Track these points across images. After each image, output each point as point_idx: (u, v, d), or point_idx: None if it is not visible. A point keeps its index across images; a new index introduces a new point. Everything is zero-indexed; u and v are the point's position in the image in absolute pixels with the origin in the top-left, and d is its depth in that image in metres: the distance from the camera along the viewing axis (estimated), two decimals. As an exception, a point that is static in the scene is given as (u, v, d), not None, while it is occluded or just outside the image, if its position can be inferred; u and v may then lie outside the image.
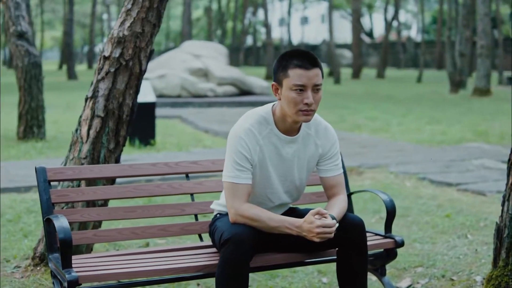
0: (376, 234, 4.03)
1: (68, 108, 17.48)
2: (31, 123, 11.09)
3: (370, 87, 28.90)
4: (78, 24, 61.00)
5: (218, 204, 3.70)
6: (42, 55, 64.85)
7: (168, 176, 4.81)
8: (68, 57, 33.79)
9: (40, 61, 11.05)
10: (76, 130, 4.83)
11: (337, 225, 3.38)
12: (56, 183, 4.09)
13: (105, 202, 4.80)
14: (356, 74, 35.49)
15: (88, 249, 4.92)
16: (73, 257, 3.66)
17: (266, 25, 33.41)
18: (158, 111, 15.65)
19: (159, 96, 17.95)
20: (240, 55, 52.68)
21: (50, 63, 62.13)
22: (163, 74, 18.11)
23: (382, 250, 3.98)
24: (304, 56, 3.38)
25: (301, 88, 3.35)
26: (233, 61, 53.61)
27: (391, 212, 3.98)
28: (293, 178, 3.58)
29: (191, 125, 14.03)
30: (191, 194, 4.03)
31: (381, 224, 6.15)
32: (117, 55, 4.72)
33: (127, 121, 4.85)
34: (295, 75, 3.35)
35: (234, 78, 18.65)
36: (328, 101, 19.81)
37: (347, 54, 50.08)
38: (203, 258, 3.55)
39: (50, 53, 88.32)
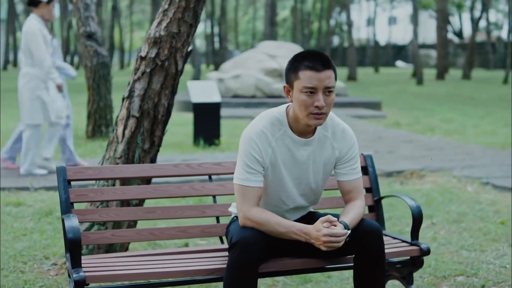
0: (403, 241, 3.88)
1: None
2: (99, 122, 11.29)
3: (453, 89, 28.24)
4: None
5: (235, 207, 3.65)
6: (131, 55, 66.30)
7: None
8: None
9: (108, 61, 11.23)
10: (113, 130, 4.86)
11: (348, 232, 3.27)
12: (88, 181, 4.13)
13: (140, 202, 4.81)
14: (440, 75, 34.72)
15: (123, 248, 4.94)
16: (88, 256, 3.69)
17: (348, 25, 33.11)
18: (230, 111, 15.76)
19: (234, 96, 18.01)
20: (325, 55, 52.31)
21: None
22: (238, 74, 18.15)
23: (408, 257, 3.83)
24: (316, 57, 3.27)
25: (312, 91, 3.25)
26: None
27: (417, 219, 3.83)
28: (308, 181, 3.48)
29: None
30: (213, 196, 3.99)
31: (431, 229, 5.99)
32: (153, 55, 4.72)
33: (163, 121, 4.84)
34: (305, 77, 3.25)
35: (309, 79, 18.48)
36: (407, 102, 19.51)
37: (435, 54, 49.12)
38: (215, 261, 3.50)
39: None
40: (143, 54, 4.77)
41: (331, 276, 4.75)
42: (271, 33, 35.50)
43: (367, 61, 58.27)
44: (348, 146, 3.49)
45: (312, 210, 3.75)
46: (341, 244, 3.22)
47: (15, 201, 6.84)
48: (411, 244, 3.82)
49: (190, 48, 4.89)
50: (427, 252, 3.76)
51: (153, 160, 4.86)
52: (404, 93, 24.11)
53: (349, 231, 3.28)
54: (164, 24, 4.74)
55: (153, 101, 4.76)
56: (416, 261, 3.81)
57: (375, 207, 4.17)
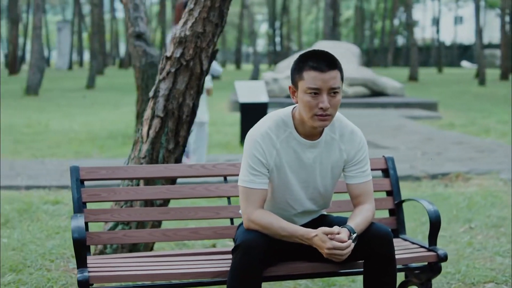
0: (421, 247, 3.77)
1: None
2: (148, 122, 11.35)
3: (517, 89, 27.56)
4: (231, 24, 62.27)
5: None
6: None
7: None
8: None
9: (157, 61, 11.27)
10: (138, 130, 4.87)
11: (353, 236, 3.19)
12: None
13: (164, 202, 4.80)
14: (504, 75, 33.91)
15: (148, 248, 4.94)
16: (98, 256, 3.69)
17: (410, 24, 32.67)
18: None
19: (288, 96, 17.93)
20: (389, 55, 51.84)
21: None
22: (292, 74, 18.04)
23: (426, 263, 3.72)
24: (320, 58, 3.18)
25: (316, 92, 3.17)
26: (381, 61, 53.00)
27: (434, 224, 3.70)
28: (316, 184, 3.40)
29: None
30: (228, 198, 3.94)
31: (468, 234, 5.83)
32: (178, 55, 4.70)
33: (187, 122, 4.82)
34: (309, 78, 3.17)
35: (365, 79, 18.32)
36: (465, 103, 19.13)
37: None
38: (222, 264, 3.45)
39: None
40: (168, 54, 4.76)
41: (355, 281, 4.66)
42: (332, 33, 35.32)
43: (432, 61, 57.40)
44: (357, 149, 3.40)
45: (325, 213, 3.67)
46: (345, 257, 3.15)
47: (53, 199, 6.93)
48: (429, 250, 3.70)
49: (215, 48, 4.86)
50: (444, 258, 3.63)
51: (177, 160, 4.84)
52: (465, 93, 23.64)
53: (355, 235, 3.20)
54: (189, 24, 4.72)
55: (178, 101, 4.74)
56: (433, 267, 3.69)
57: (396, 211, 4.06)
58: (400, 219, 4.06)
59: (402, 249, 3.74)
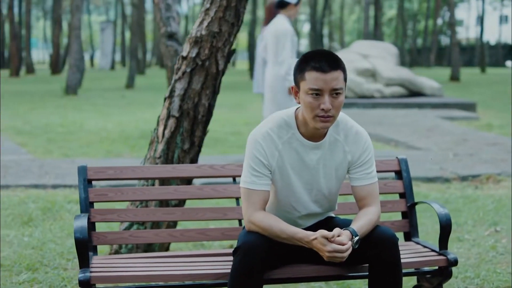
0: (432, 250, 3.69)
1: (235, 107, 17.85)
2: (180, 122, 11.38)
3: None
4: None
5: None
6: (237, 55, 66.89)
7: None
8: (250, 57, 34.45)
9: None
10: (154, 130, 4.86)
11: (355, 239, 3.13)
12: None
13: (179, 203, 4.79)
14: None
15: (163, 248, 4.93)
16: (103, 256, 3.68)
17: (451, 24, 32.25)
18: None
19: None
20: (431, 55, 51.27)
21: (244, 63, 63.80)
22: (329, 74, 17.90)
23: (436, 267, 3.64)
24: (322, 58, 3.13)
25: (318, 93, 3.12)
26: (424, 61, 52.45)
27: (445, 227, 3.62)
28: (319, 187, 3.34)
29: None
30: (236, 199, 3.90)
31: (493, 237, 5.70)
32: (193, 55, 4.69)
33: (203, 122, 4.80)
34: (311, 78, 3.12)
35: (402, 79, 18.11)
36: (506, 104, 18.78)
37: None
38: (225, 265, 3.41)
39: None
40: (184, 53, 4.74)
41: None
42: (375, 33, 35.14)
43: (476, 61, 56.63)
44: (361, 150, 3.34)
45: (332, 215, 3.61)
46: (345, 258, 3.10)
47: (77, 198, 6.95)
48: (439, 254, 3.62)
49: (232, 48, 4.83)
50: (454, 263, 3.55)
51: (193, 161, 4.83)
52: (506, 94, 23.19)
53: (357, 237, 3.14)
54: (205, 23, 4.70)
55: (193, 101, 4.72)
56: (444, 272, 3.61)
57: (408, 214, 3.98)
58: (413, 222, 3.98)
59: (413, 253, 3.68)
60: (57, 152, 10.22)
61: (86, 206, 3.69)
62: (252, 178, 3.24)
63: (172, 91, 4.75)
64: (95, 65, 60.76)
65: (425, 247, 3.76)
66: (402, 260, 3.48)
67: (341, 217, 3.64)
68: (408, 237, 3.97)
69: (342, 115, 3.31)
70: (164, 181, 4.65)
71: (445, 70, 40.38)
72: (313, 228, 3.38)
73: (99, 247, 5.26)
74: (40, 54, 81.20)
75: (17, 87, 27.11)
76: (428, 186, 7.85)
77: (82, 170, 3.76)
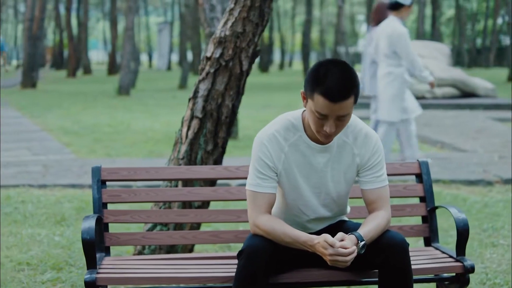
0: (450, 256, 3.58)
1: (285, 108, 17.79)
2: (223, 122, 11.38)
3: None
4: (330, 24, 62.08)
5: None
6: (293, 56, 66.95)
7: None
8: (304, 58, 34.35)
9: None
10: (179, 131, 4.85)
11: (361, 244, 3.04)
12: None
13: (203, 204, 4.76)
14: None
15: (186, 249, 4.91)
16: (116, 257, 3.67)
17: (509, 24, 31.56)
18: (367, 113, 15.41)
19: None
20: (491, 55, 50.34)
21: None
22: (379, 75, 17.71)
23: (454, 274, 3.53)
24: (334, 86, 2.95)
25: (323, 116, 3.03)
26: (483, 61, 51.51)
27: (462, 232, 3.50)
28: (328, 190, 3.27)
29: (393, 127, 13.55)
30: (251, 201, 3.84)
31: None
32: (217, 56, 4.65)
33: (227, 123, 4.77)
34: (318, 103, 2.99)
35: (454, 79, 17.78)
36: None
37: None
38: (233, 269, 3.36)
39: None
40: (208, 54, 4.71)
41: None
42: (433, 32, 34.67)
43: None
44: (371, 152, 3.25)
45: (345, 218, 3.53)
46: (348, 263, 3.02)
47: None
48: (456, 261, 3.51)
49: (256, 49, 4.78)
50: (470, 270, 3.43)
51: (217, 162, 4.79)
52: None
53: (362, 243, 3.06)
54: (229, 23, 4.66)
55: (217, 102, 4.69)
56: (460, 279, 3.50)
57: (428, 218, 3.87)
58: (433, 227, 3.87)
59: (430, 258, 3.58)
60: (101, 152, 10.31)
61: (99, 206, 3.68)
62: (257, 180, 3.18)
63: (195, 92, 4.73)
64: (153, 65, 61.40)
65: (443, 253, 3.65)
66: (418, 266, 3.41)
67: (355, 221, 3.56)
68: (427, 242, 3.86)
69: (352, 117, 3.22)
70: (187, 183, 4.63)
71: (504, 71, 39.59)
72: (323, 232, 3.31)
73: (125, 248, 5.31)
74: (100, 55, 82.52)
75: (72, 88, 27.57)
76: (469, 189, 7.67)
77: (96, 171, 3.75)
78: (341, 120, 3.04)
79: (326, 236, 3.02)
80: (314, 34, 67.01)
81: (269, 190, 3.18)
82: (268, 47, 47.18)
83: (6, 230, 5.95)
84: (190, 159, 4.75)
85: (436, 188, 7.57)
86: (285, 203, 3.31)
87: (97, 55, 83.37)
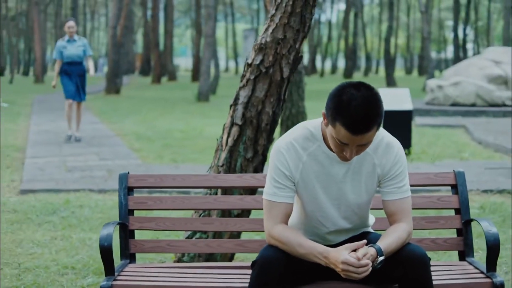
0: (481, 272, 3.42)
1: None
2: (291, 129, 11.34)
3: None
4: (418, 30, 61.19)
5: None
6: (379, 62, 66.23)
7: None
8: (386, 64, 33.91)
9: (301, 68, 11.23)
10: (220, 138, 4.82)
11: (379, 259, 2.93)
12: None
13: (242, 212, 4.71)
14: None
15: (226, 258, 4.88)
16: (139, 264, 3.66)
17: None
18: (444, 120, 15.11)
19: (452, 104, 17.25)
20: None
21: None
22: (458, 81, 17.31)
23: (484, 290, 3.37)
24: (357, 120, 2.83)
25: (344, 144, 2.94)
26: None
27: (492, 248, 3.34)
28: (348, 202, 3.16)
29: (470, 136, 13.22)
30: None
31: None
32: (257, 62, 4.61)
33: (267, 130, 4.72)
34: (340, 132, 2.88)
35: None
36: None
37: None
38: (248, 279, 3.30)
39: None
40: (249, 61, 4.68)
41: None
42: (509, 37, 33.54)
43: None
44: (392, 162, 3.12)
45: (369, 230, 3.41)
46: (361, 276, 2.90)
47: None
48: (486, 276, 3.35)
49: (298, 55, 4.71)
50: (499, 286, 3.27)
51: (257, 170, 4.74)
52: None
53: (381, 258, 2.94)
54: (270, 30, 4.62)
55: (257, 109, 4.64)
56: (490, 296, 3.34)
57: (463, 231, 3.71)
58: (468, 240, 3.70)
59: (461, 274, 3.44)
60: (168, 157, 10.41)
61: (125, 213, 3.68)
62: (274, 189, 3.11)
63: (236, 99, 4.70)
64: (239, 72, 61.85)
65: (476, 268, 3.50)
66: (443, 282, 3.28)
67: (380, 232, 3.43)
68: (462, 256, 3.70)
69: None
70: (227, 191, 4.60)
71: None
72: (344, 244, 3.21)
73: (167, 255, 5.31)
74: (189, 62, 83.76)
75: (154, 94, 28.04)
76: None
77: (123, 178, 3.75)
78: (361, 148, 2.95)
79: (344, 246, 2.93)
80: (401, 40, 66.24)
81: (285, 200, 3.10)
82: (352, 53, 46.81)
83: (59, 233, 6.05)
84: (230, 167, 4.71)
85: (500, 199, 7.32)
86: (305, 214, 3.22)
87: (186, 62, 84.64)
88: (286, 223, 3.13)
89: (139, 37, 67.77)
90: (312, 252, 3.01)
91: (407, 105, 10.55)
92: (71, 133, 12.46)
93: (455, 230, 3.77)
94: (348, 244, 2.97)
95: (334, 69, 64.16)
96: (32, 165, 9.55)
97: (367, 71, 55.12)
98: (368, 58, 56.72)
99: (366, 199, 3.19)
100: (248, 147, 4.69)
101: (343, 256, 2.90)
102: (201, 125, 15.02)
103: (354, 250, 2.96)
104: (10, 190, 7.97)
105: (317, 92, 29.19)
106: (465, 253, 3.69)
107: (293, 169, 3.10)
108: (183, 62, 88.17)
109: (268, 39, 4.59)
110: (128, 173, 3.80)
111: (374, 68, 63.85)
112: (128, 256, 3.67)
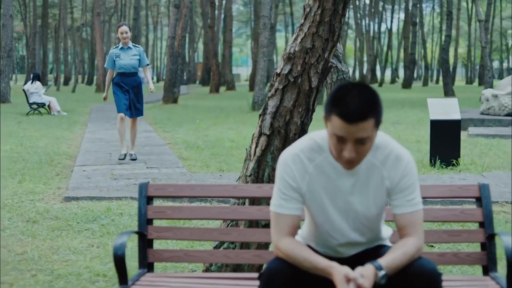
0: None
1: (415, 124, 17.39)
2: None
3: None
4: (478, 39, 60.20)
5: (299, 234, 3.40)
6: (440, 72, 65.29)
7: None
8: (444, 73, 33.36)
9: (348, 78, 11.12)
10: (249, 147, 4.82)
11: (381, 274, 2.86)
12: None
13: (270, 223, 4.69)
14: None
15: (253, 268, 4.85)
16: (156, 274, 3.67)
17: None
18: (497, 130, 14.79)
19: (508, 114, 16.86)
20: None
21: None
22: (513, 91, 16.96)
23: (503, 307, 3.28)
24: (351, 107, 2.79)
25: (341, 140, 2.88)
26: None
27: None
28: (356, 214, 3.09)
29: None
30: (297, 222, 3.74)
31: None
32: (286, 72, 4.59)
33: (295, 140, 4.68)
34: (335, 124, 2.84)
35: None
36: None
37: None
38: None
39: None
40: (278, 70, 4.66)
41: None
42: None
43: None
44: (401, 175, 3.03)
45: (385, 243, 3.34)
46: None
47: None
48: (507, 292, 3.26)
49: (327, 65, 4.67)
50: (519, 303, 3.18)
51: (285, 180, 4.70)
52: None
53: (382, 272, 2.87)
54: (299, 39, 4.59)
55: (285, 118, 4.61)
56: (508, 312, 3.24)
57: (487, 245, 3.62)
58: (492, 255, 3.61)
59: (481, 288, 3.35)
60: (214, 166, 10.43)
61: (143, 222, 3.70)
62: (280, 201, 3.07)
63: (265, 109, 4.67)
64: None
65: (497, 283, 3.40)
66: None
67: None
68: (485, 271, 3.61)
69: (383, 138, 3.04)
70: (254, 201, 4.58)
71: None
72: (359, 257, 3.16)
73: (199, 265, 5.32)
74: (250, 71, 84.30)
75: (211, 103, 28.21)
76: None
77: (143, 187, 3.78)
78: (361, 144, 2.87)
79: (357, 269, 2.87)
80: (462, 49, 65.28)
81: (292, 212, 3.06)
82: (410, 63, 46.28)
83: (97, 241, 6.12)
84: (258, 176, 4.68)
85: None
86: (315, 226, 3.18)
87: (248, 72, 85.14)
88: (293, 235, 3.09)
89: (201, 47, 68.35)
90: (315, 267, 2.96)
91: (455, 115, 10.36)
92: (125, 152, 11.17)
93: (479, 244, 3.68)
94: (348, 271, 2.88)
95: (393, 78, 63.58)
96: (80, 173, 9.70)
97: (426, 81, 54.42)
98: (427, 68, 56.01)
99: (375, 212, 3.12)
100: (275, 157, 4.65)
101: (339, 276, 2.85)
102: (252, 134, 15.00)
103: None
104: (55, 198, 8.10)
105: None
106: (488, 268, 3.60)
107: (300, 180, 3.06)
108: (244, 71, 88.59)
109: (296, 49, 4.56)
110: (148, 182, 3.82)
111: (435, 78, 63.02)
112: (146, 265, 3.69)
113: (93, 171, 9.90)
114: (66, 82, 59.60)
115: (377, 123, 2.86)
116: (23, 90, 22.51)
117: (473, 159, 10.96)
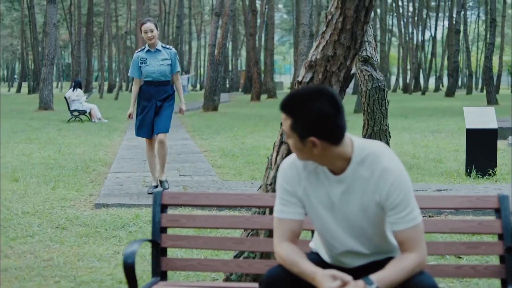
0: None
1: (457, 133, 17.17)
2: (372, 147, 11.13)
3: None
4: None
5: (313, 242, 3.38)
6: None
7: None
8: (487, 81, 32.90)
9: (384, 86, 11.02)
10: (270, 156, 4.79)
11: None
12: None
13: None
14: None
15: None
16: (168, 282, 3.66)
17: None
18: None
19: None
20: None
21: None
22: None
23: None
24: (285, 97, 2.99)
25: None
26: None
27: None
28: (352, 223, 3.06)
29: None
30: (312, 231, 3.70)
31: None
32: (307, 80, 4.56)
33: (316, 148, 4.64)
34: None
35: None
36: None
37: None
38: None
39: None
40: (299, 78, 4.63)
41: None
42: None
43: None
44: (388, 190, 2.95)
45: (396, 256, 3.27)
46: None
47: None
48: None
49: (349, 73, 4.62)
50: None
51: (306, 189, 4.67)
52: None
53: (373, 286, 2.82)
54: (320, 47, 4.55)
55: (305, 127, 4.57)
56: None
57: (506, 258, 3.52)
58: (510, 268, 3.51)
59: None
60: (246, 175, 10.41)
61: (157, 230, 3.69)
62: (280, 207, 3.12)
63: (286, 117, 4.64)
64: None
65: (514, 293, 3.31)
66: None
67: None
68: (504, 284, 3.52)
69: (375, 149, 2.99)
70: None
71: None
72: (365, 269, 3.11)
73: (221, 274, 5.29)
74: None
75: (251, 111, 28.26)
76: None
77: (158, 195, 3.77)
78: (288, 137, 2.99)
79: (325, 276, 2.85)
80: (508, 57, 64.40)
81: (291, 216, 3.09)
82: (454, 71, 45.77)
83: (123, 248, 6.14)
84: (278, 185, 4.65)
85: None
86: (319, 233, 3.20)
87: (290, 79, 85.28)
88: (294, 240, 3.11)
89: (244, 55, 68.63)
90: (302, 273, 2.96)
91: (492, 124, 10.20)
92: (156, 184, 8.87)
93: (497, 256, 3.59)
94: (335, 272, 2.87)
95: (438, 86, 62.97)
96: (113, 180, 9.76)
97: (469, 89, 53.77)
98: (470, 76, 55.34)
99: (366, 222, 3.06)
100: (295, 166, 4.61)
101: (327, 284, 2.83)
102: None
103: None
104: (86, 204, 8.16)
105: (410, 109, 28.75)
106: (507, 282, 3.51)
107: (296, 185, 3.11)
108: (288, 79, 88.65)
109: (318, 56, 4.52)
110: (163, 190, 3.81)
111: (480, 86, 62.23)
112: (159, 273, 3.68)
113: (126, 178, 9.96)
114: (110, 90, 60.36)
115: (295, 128, 2.91)
116: (65, 97, 22.80)
117: (510, 169, 10.76)
